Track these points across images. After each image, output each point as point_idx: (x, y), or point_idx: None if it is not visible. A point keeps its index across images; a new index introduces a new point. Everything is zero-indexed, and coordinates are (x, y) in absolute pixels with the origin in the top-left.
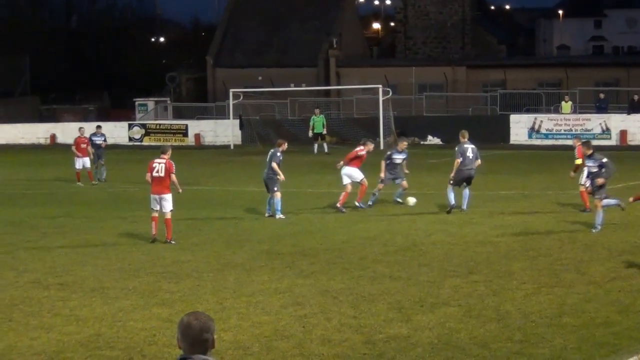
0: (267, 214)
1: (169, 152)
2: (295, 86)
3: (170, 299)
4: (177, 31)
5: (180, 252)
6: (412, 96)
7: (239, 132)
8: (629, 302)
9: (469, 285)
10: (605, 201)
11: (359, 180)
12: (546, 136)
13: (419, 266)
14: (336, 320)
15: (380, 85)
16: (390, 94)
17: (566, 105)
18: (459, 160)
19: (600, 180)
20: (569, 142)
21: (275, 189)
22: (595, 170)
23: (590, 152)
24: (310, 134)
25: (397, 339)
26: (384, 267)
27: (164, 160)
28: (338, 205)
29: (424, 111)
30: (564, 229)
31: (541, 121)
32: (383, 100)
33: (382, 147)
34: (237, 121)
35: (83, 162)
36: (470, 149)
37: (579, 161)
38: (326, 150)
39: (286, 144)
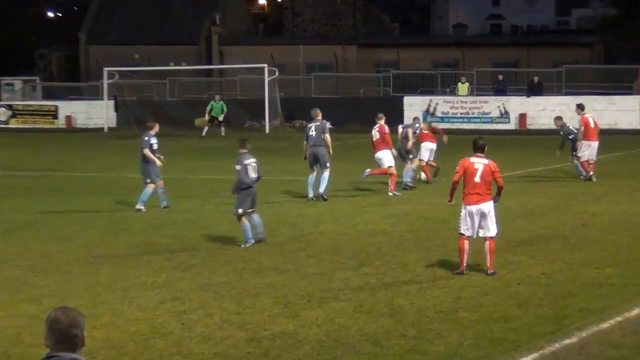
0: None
1: None
2: (175, 65)
3: (38, 294)
4: (48, 6)
5: (49, 243)
6: (300, 77)
7: (114, 114)
8: (528, 295)
9: (359, 278)
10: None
11: (386, 167)
12: (442, 119)
13: (306, 258)
14: (218, 317)
15: (265, 65)
16: (277, 74)
17: (462, 87)
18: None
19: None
20: (466, 126)
21: (148, 180)
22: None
23: (243, 150)
24: (207, 117)
25: (283, 336)
26: (269, 260)
27: None
28: (390, 192)
29: (313, 92)
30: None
31: (436, 103)
32: (269, 81)
33: (267, 130)
34: (112, 102)
35: None
36: (313, 126)
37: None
38: (223, 133)
39: (158, 125)
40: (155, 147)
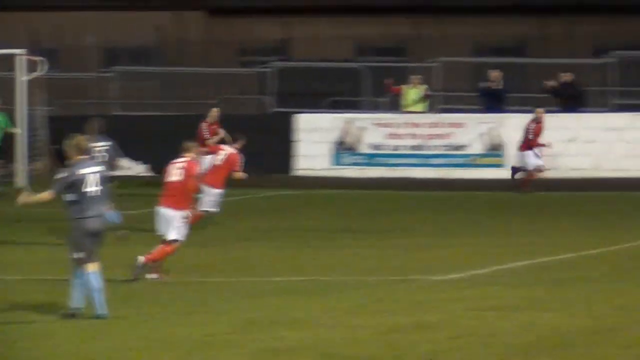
0: None
1: None
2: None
3: None
4: None
5: None
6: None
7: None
8: None
9: None
10: None
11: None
12: (370, 158)
13: None
14: None
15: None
16: (45, 69)
17: (411, 93)
18: None
19: None
20: (419, 173)
21: None
22: None
23: None
24: None
25: None
26: None
27: None
28: None
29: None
30: None
31: (361, 128)
32: (30, 81)
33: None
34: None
35: None
36: None
37: None
38: None
39: None
40: None
